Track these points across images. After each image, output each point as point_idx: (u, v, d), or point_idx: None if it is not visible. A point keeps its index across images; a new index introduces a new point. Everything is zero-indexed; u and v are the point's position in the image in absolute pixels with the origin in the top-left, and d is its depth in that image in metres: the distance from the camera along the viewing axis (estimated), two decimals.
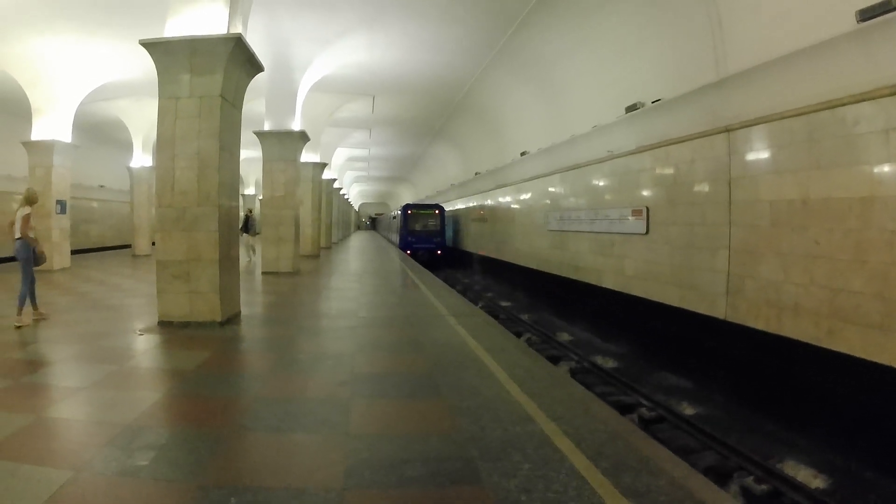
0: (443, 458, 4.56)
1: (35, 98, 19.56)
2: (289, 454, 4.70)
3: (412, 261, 28.19)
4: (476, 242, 33.12)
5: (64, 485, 4.01)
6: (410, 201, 54.78)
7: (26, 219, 10.12)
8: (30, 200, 10.42)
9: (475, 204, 33.55)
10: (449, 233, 43.46)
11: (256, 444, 4.91)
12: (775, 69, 9.17)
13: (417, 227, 41.96)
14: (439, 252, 41.15)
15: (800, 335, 8.80)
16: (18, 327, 9.63)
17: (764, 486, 7.23)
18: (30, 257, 10.12)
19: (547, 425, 5.26)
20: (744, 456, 7.94)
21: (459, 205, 41.08)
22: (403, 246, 41.08)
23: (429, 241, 41.35)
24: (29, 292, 10.18)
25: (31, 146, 19.95)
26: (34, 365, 7.50)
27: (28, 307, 10.22)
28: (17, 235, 10.08)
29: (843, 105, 8.00)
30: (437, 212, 42.43)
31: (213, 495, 3.93)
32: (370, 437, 5.00)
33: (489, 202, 29.56)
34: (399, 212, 46.84)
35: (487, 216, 30.04)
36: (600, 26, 14.13)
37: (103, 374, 7.04)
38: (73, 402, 6.02)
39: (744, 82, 9.93)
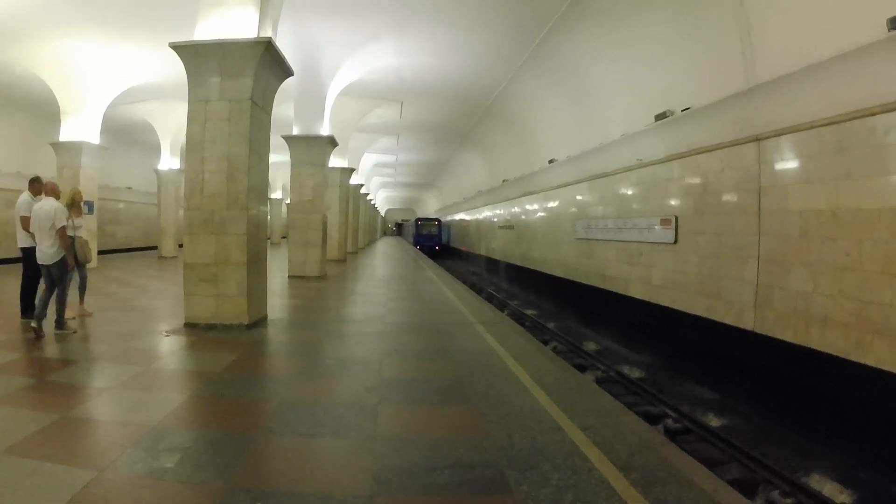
0: (471, 465, 4.49)
1: (63, 100, 19.82)
2: (316, 459, 4.64)
3: (441, 269, 28.42)
4: (502, 251, 32.98)
5: (87, 485, 3.98)
6: (436, 207, 74.47)
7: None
8: (74, 200, 10.52)
9: (501, 211, 33.47)
10: (444, 236, 66.82)
11: (283, 448, 4.85)
12: (805, 78, 8.98)
13: (424, 231, 66.68)
14: (437, 248, 63.15)
15: (828, 347, 8.61)
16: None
17: (789, 501, 7.08)
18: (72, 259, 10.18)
19: (576, 434, 5.18)
20: (770, 469, 7.78)
21: (462, 215, 52.25)
22: (415, 243, 64.80)
23: (430, 240, 64.50)
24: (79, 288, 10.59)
25: (59, 147, 20.25)
26: (60, 364, 7.51)
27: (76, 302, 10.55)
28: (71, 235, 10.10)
29: (874, 115, 7.83)
30: (436, 222, 67.58)
31: (238, 499, 3.88)
32: (398, 443, 4.93)
33: (516, 209, 29.40)
34: (413, 221, 74.38)
35: (514, 223, 29.90)
36: (630, 33, 14.00)
37: (129, 374, 7.04)
38: (98, 402, 6.01)
39: (773, 91, 9.76)
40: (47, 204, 9.27)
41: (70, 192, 10.68)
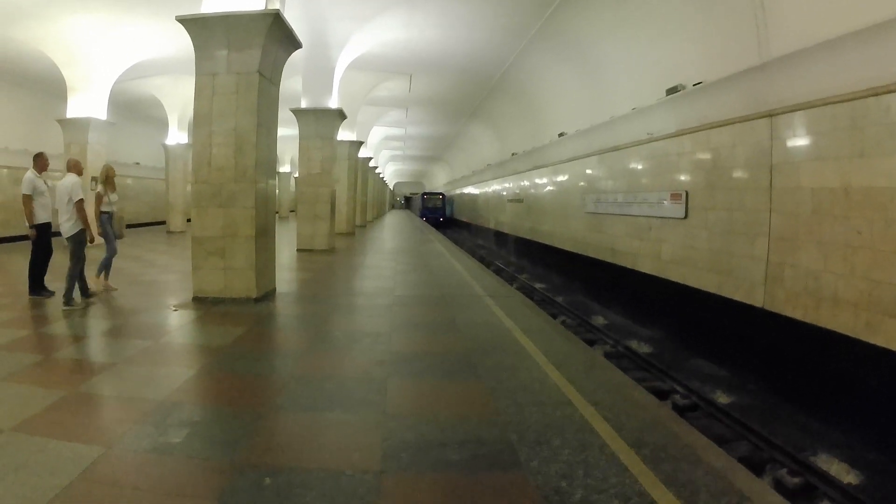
0: (481, 441, 4.47)
1: (70, 76, 19.75)
2: (325, 434, 4.64)
3: (450, 242, 28.36)
4: (511, 224, 32.90)
5: (95, 461, 3.97)
6: (445, 181, 75.97)
7: (99, 196, 10.77)
8: (108, 176, 11.10)
9: (510, 185, 33.34)
10: (448, 209, 71.53)
11: (292, 423, 4.85)
12: (819, 54, 8.81)
13: (429, 205, 72.13)
14: (441, 219, 67.85)
15: (837, 326, 8.54)
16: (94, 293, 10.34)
17: (797, 479, 7.05)
18: (109, 233, 10.93)
19: (586, 409, 5.15)
20: (777, 447, 7.75)
21: (471, 188, 53.28)
22: (421, 215, 69.69)
23: (435, 213, 69.72)
24: (104, 265, 10.95)
25: (66, 123, 20.22)
26: (68, 340, 7.53)
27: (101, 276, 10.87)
28: (104, 210, 10.87)
29: (889, 92, 7.68)
30: (441, 196, 73.01)
31: (247, 474, 3.87)
32: (407, 419, 4.91)
33: (525, 183, 29.27)
34: (420, 196, 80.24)
35: (523, 197, 29.80)
36: (641, 6, 13.82)
37: (137, 349, 7.05)
38: (105, 377, 6.00)
39: (787, 66, 9.60)
40: (67, 179, 9.77)
41: (103, 169, 11.17)
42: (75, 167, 10.16)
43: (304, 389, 5.68)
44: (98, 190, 11.05)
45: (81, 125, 20.05)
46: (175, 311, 9.38)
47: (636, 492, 3.71)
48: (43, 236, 9.97)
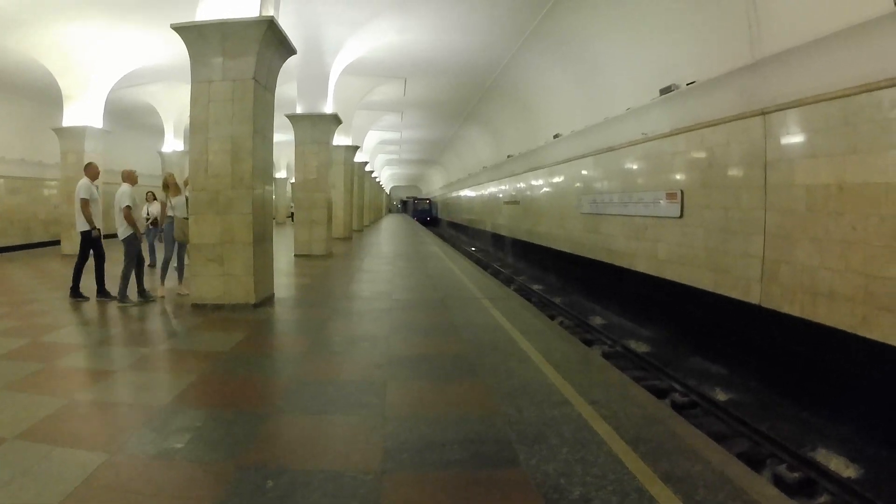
0: (481, 440, 4.51)
1: (66, 85, 19.77)
2: (326, 436, 4.68)
3: (448, 246, 28.67)
4: (508, 226, 32.91)
5: (98, 467, 4.00)
6: (441, 184, 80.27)
7: (162, 203, 11.63)
8: (166, 182, 11.75)
9: (506, 187, 33.35)
10: (434, 211, 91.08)
11: (293, 426, 4.89)
12: (811, 51, 8.87)
13: (419, 207, 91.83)
14: (428, 219, 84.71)
15: (834, 322, 8.56)
16: (161, 297, 11.01)
17: (796, 474, 7.09)
18: (168, 237, 11.80)
19: (584, 409, 5.19)
20: (776, 443, 7.79)
21: (467, 191, 53.94)
22: (413, 216, 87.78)
23: (423, 214, 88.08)
24: (178, 268, 11.94)
25: (62, 132, 20.26)
26: (67, 347, 7.55)
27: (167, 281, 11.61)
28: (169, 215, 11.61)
29: (881, 88, 7.70)
30: (427, 201, 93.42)
31: (249, 477, 3.90)
32: (407, 420, 4.95)
33: (521, 185, 29.28)
34: (412, 200, 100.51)
35: (519, 199, 29.82)
36: (634, 6, 13.87)
37: (137, 356, 7.11)
38: (106, 384, 6.04)
39: (779, 64, 9.65)
40: (120, 188, 10.63)
41: (164, 176, 12.04)
42: (129, 177, 10.85)
43: (304, 392, 5.72)
44: (162, 199, 12.25)
45: (77, 134, 20.06)
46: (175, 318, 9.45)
47: (634, 488, 3.75)
48: (88, 242, 10.59)
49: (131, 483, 3.84)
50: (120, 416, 5.15)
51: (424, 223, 73.15)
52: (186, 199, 11.04)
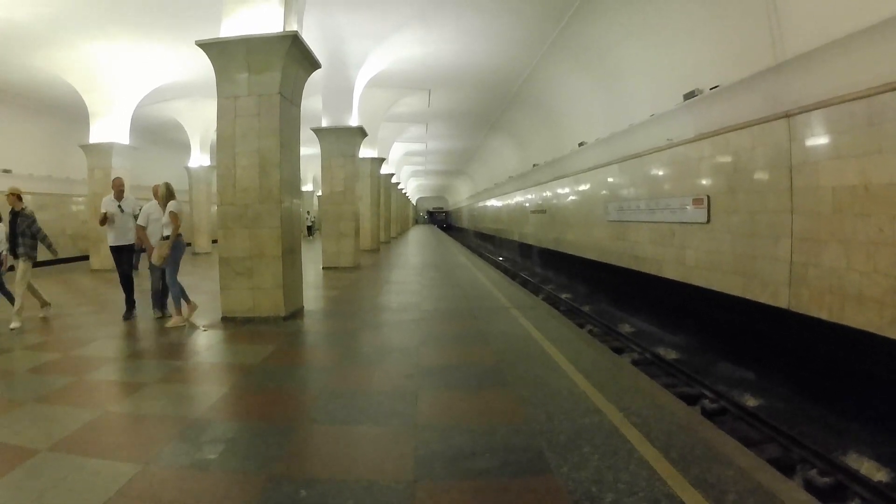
0: (512, 449, 4.50)
1: (92, 102, 20.17)
2: (358, 446, 4.69)
3: (475, 256, 28.72)
4: (535, 235, 32.81)
5: (133, 478, 4.05)
6: (467, 194, 78.08)
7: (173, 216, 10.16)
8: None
9: (533, 196, 33.27)
10: (450, 219, 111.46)
11: (325, 437, 4.91)
12: (833, 51, 8.79)
13: (438, 217, 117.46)
14: (444, 225, 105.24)
15: (863, 324, 8.45)
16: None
17: (827, 479, 7.01)
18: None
19: (615, 416, 5.17)
20: (807, 448, 7.70)
21: (494, 201, 52.67)
22: (430, 223, 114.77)
23: (440, 221, 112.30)
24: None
25: (89, 149, 20.65)
26: (99, 361, 7.64)
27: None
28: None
29: None
30: (444, 211, 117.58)
31: (283, 487, 3.93)
32: (439, 429, 4.95)
33: (547, 193, 29.23)
34: (435, 211, 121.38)
35: (546, 207, 29.75)
36: (655, 12, 13.84)
37: (169, 369, 7.19)
38: (139, 396, 6.10)
39: (802, 66, 9.57)
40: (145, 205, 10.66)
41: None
42: (155, 194, 10.60)
43: (335, 403, 5.73)
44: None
45: (104, 150, 20.42)
46: (205, 330, 9.47)
47: (665, 494, 3.74)
48: (117, 258, 10.89)
49: (165, 493, 3.88)
50: (153, 428, 5.18)
51: (442, 228, 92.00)
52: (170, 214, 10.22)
